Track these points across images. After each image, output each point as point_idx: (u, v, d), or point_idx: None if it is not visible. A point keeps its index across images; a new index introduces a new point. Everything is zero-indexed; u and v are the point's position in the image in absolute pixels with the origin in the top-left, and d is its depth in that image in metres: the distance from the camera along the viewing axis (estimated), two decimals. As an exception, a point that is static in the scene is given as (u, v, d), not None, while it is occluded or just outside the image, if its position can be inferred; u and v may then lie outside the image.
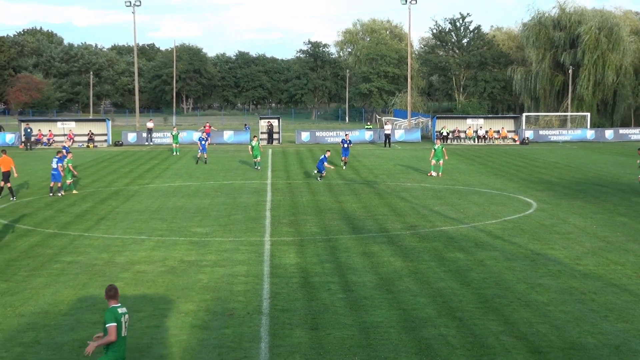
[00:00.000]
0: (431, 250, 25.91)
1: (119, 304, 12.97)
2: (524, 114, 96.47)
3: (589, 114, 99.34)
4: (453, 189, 42.35)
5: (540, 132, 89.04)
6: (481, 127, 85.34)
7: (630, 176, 47.32)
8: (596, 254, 25.04)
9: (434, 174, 48.68)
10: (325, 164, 47.24)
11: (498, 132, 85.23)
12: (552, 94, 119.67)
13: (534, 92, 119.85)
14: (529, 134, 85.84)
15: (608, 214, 33.54)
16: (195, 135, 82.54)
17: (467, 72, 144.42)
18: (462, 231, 29.54)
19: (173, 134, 70.95)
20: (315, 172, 47.97)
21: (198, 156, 59.73)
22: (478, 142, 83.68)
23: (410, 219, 32.47)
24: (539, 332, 17.10)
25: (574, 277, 21.93)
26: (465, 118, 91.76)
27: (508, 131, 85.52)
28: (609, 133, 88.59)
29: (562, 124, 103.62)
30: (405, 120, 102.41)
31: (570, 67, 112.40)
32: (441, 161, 49.16)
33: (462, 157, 63.90)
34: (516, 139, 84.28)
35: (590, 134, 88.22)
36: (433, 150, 49.39)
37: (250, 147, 54.43)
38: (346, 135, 60.53)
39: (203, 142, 59.42)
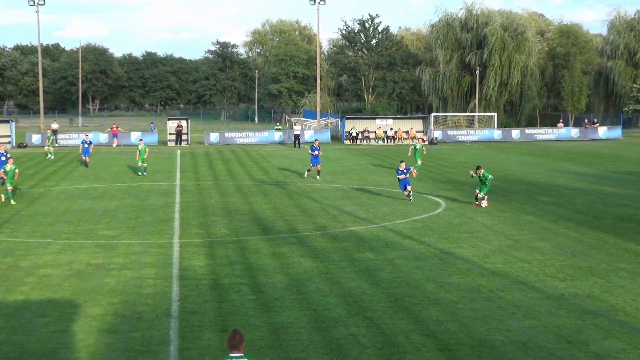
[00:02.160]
0: (341, 250, 25.94)
1: (240, 355, 11.08)
2: (433, 114, 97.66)
3: (495, 114, 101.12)
4: (363, 189, 42.53)
5: (449, 132, 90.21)
6: (390, 128, 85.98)
7: (535, 175, 48.29)
8: (503, 252, 25.40)
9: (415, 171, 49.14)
10: (402, 175, 37.79)
11: (407, 132, 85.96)
12: (460, 94, 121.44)
13: (442, 92, 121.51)
14: (437, 134, 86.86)
15: (515, 212, 34.09)
16: (103, 137, 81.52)
17: (376, 72, 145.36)
18: (372, 231, 29.67)
19: (49, 136, 69.37)
20: (406, 192, 37.97)
21: (85, 159, 57.61)
22: (387, 142, 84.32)
23: (321, 219, 32.49)
24: (448, 330, 17.24)
25: (482, 275, 22.19)
26: (375, 118, 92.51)
27: (417, 131, 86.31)
28: (515, 133, 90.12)
29: (470, 124, 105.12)
30: (315, 120, 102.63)
31: (478, 67, 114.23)
32: (420, 161, 51.08)
33: (371, 157, 64.30)
34: (425, 139, 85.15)
35: (497, 134, 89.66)
36: (413, 148, 50.77)
37: (137, 151, 51.44)
38: (315, 141, 51.53)
39: (86, 146, 57.80)
